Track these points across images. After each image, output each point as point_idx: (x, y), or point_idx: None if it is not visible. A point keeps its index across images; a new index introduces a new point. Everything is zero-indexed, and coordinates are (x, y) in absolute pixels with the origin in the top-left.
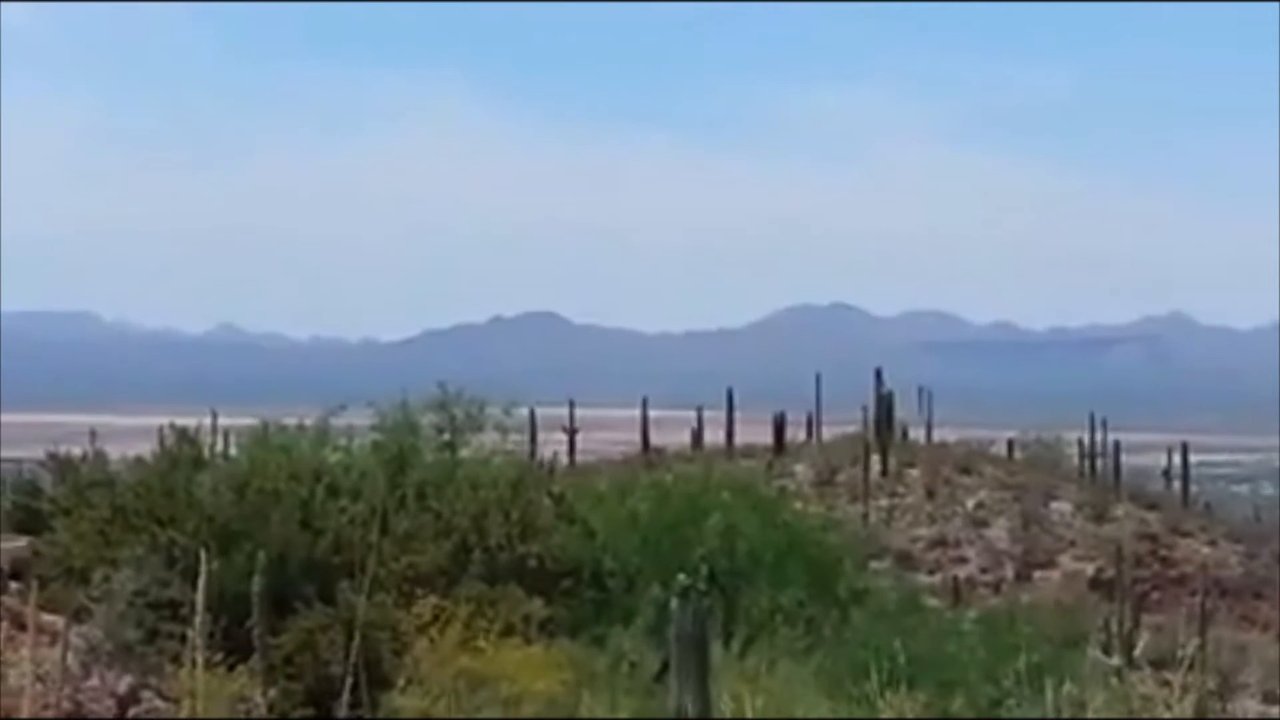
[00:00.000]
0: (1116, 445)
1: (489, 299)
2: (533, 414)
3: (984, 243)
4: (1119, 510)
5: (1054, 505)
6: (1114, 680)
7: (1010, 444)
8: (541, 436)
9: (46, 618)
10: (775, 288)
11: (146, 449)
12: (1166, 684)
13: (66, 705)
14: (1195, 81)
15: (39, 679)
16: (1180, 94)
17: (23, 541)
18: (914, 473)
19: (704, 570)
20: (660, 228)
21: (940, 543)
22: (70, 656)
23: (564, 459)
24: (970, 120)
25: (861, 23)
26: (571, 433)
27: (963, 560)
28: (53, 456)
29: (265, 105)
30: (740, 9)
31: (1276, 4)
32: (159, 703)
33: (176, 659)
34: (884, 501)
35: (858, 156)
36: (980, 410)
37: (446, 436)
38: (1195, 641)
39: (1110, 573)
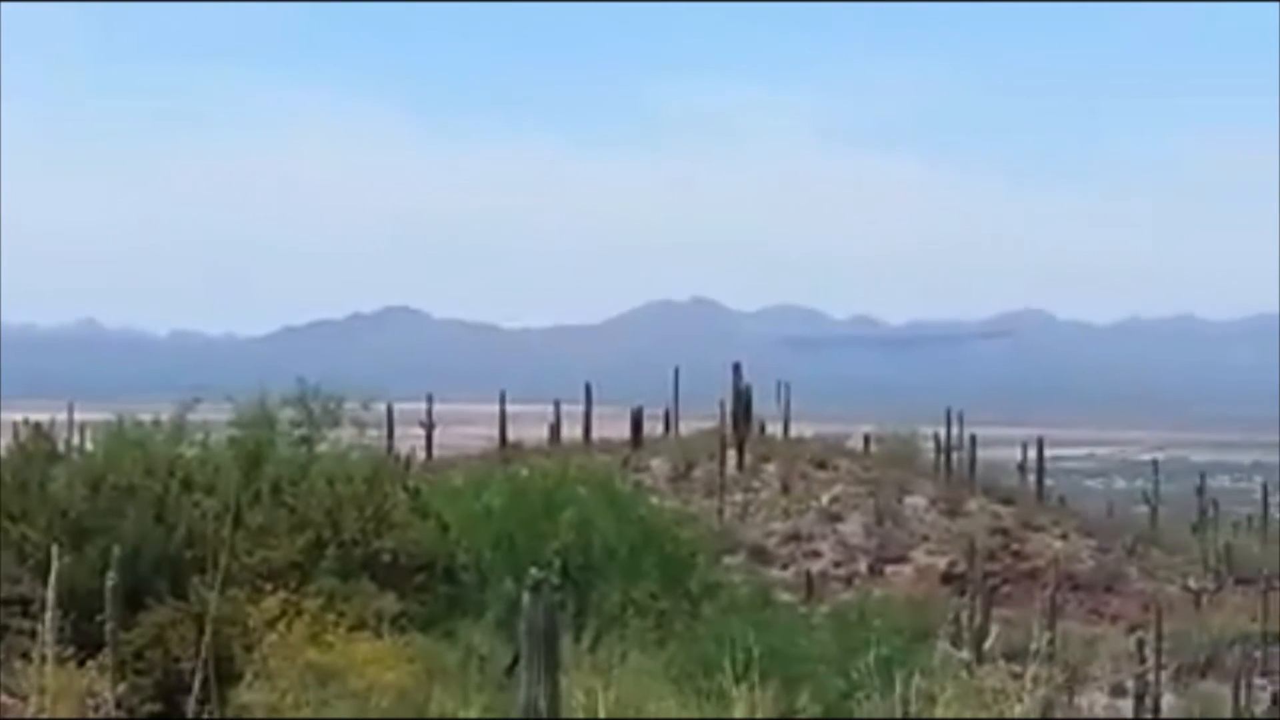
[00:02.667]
0: (972, 440)
1: (349, 295)
2: (390, 409)
3: (845, 238)
4: (973, 505)
5: (908, 500)
6: (964, 673)
7: (867, 438)
8: (399, 431)
9: None
10: (635, 283)
11: (1, 445)
12: (1016, 677)
13: None
14: (1060, 79)
15: None
16: (1044, 92)
17: None
18: (770, 467)
19: (557, 564)
20: (521, 224)
21: (795, 537)
22: None
23: (421, 454)
24: (835, 117)
25: (734, 21)
26: (429, 428)
27: (817, 555)
28: None
29: (127, 102)
30: (614, 6)
31: (1129, 2)
32: (6, 699)
33: (26, 655)
34: (740, 496)
35: (721, 153)
36: (840, 405)
37: (303, 432)
38: (1045, 635)
39: (963, 567)
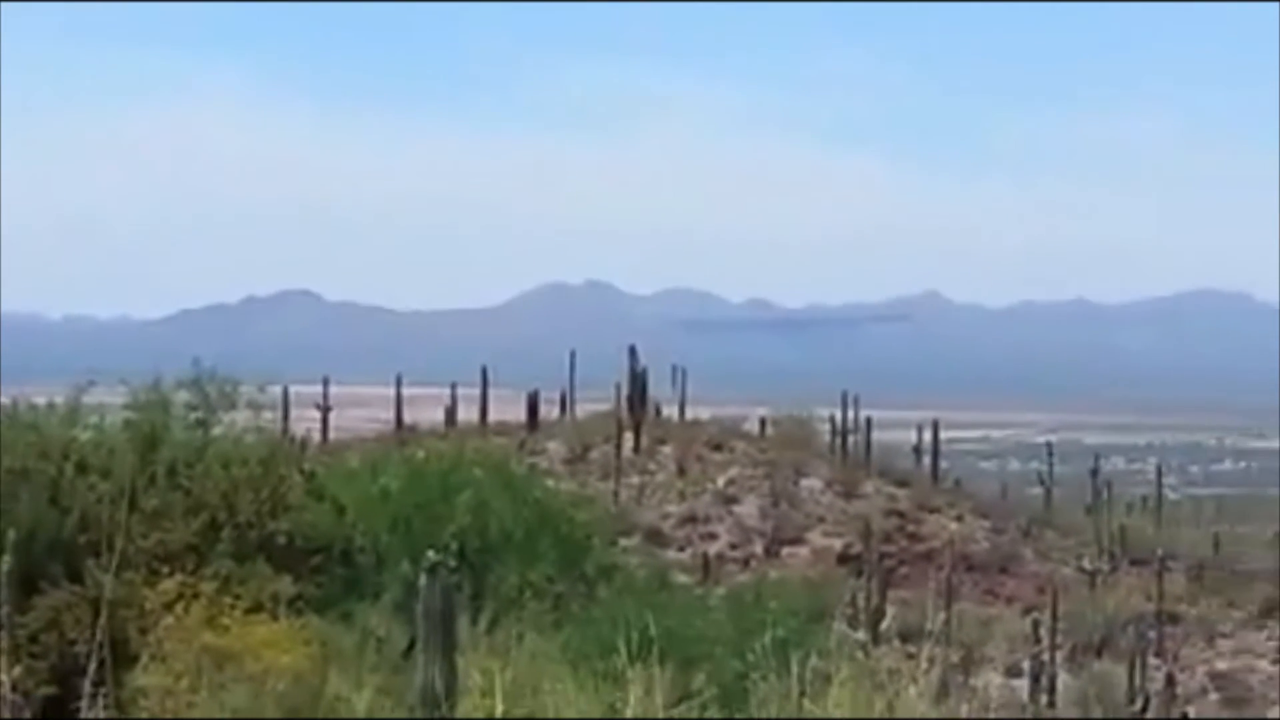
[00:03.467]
0: (868, 422)
1: (244, 277)
2: (286, 392)
3: (741, 221)
4: (869, 487)
5: (804, 482)
6: (860, 654)
7: (763, 421)
8: (295, 414)
9: None
10: (530, 266)
11: None
12: (911, 657)
13: None
14: (957, 65)
15: None
16: (942, 77)
17: None
18: (666, 450)
19: (453, 547)
20: (417, 207)
21: (691, 519)
22: None
23: (317, 437)
24: (731, 100)
25: (633, 3)
26: (325, 410)
27: (713, 537)
28: None
29: (22, 81)
30: None
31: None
32: None
33: None
34: (636, 479)
35: (617, 134)
36: (736, 387)
37: (199, 415)
38: (940, 616)
39: (859, 548)
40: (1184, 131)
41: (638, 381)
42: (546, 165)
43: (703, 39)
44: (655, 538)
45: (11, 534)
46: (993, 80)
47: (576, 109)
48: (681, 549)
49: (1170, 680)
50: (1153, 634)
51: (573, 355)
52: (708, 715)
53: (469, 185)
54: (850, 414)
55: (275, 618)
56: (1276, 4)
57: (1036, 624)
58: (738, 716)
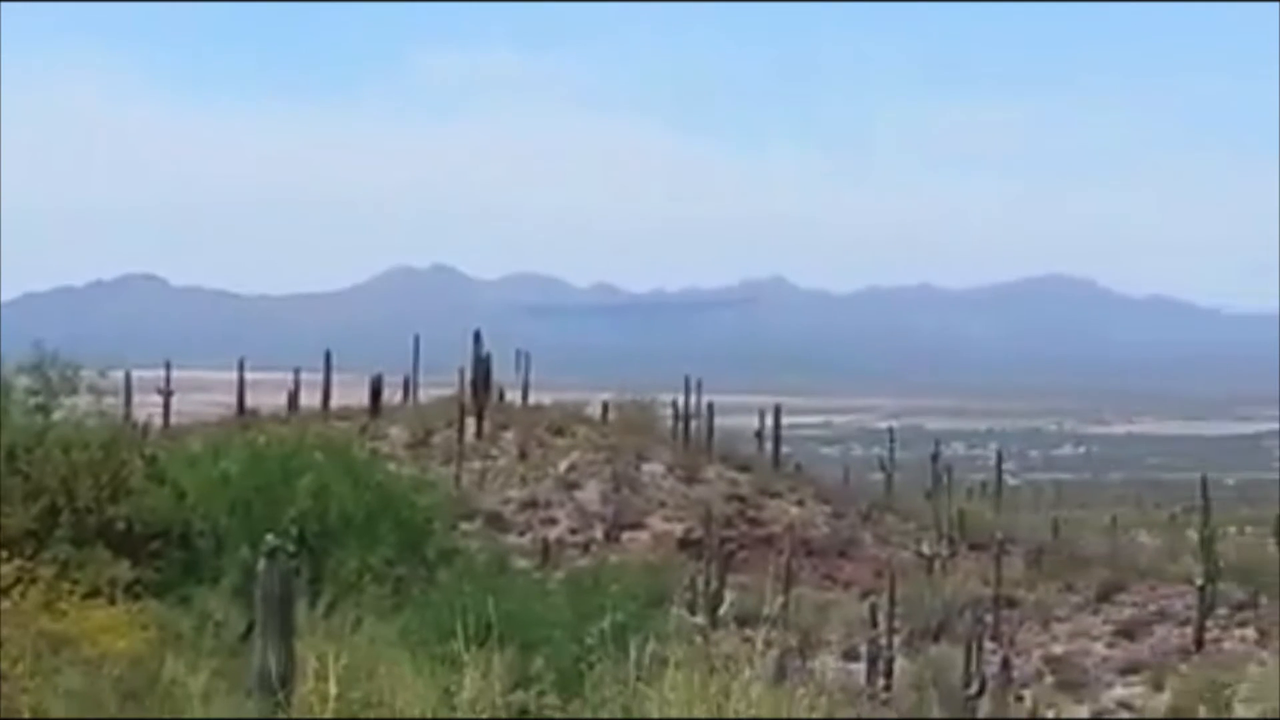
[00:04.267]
0: (710, 407)
1: (90, 261)
2: (128, 376)
3: (586, 206)
4: (710, 472)
5: (646, 467)
6: (698, 639)
7: (605, 406)
8: (137, 399)
9: None
10: (376, 250)
11: None
12: (748, 641)
13: None
14: (811, 51)
15: None
16: (783, 59)
17: None
18: (508, 435)
19: (293, 531)
20: (262, 190)
21: (532, 504)
22: None
23: (159, 421)
24: (578, 85)
25: None
26: (166, 395)
27: (553, 521)
28: None
29: None
30: None
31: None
32: None
33: None
34: (477, 463)
35: (463, 120)
36: (580, 373)
37: (40, 399)
38: (779, 599)
39: (699, 533)
40: (1030, 118)
41: (481, 367)
42: (393, 150)
43: (550, 23)
44: (496, 522)
45: None
46: (842, 69)
47: (422, 94)
48: (522, 534)
49: (1006, 664)
50: (990, 618)
51: (417, 340)
52: (545, 699)
53: (315, 171)
54: (693, 399)
55: (113, 602)
56: (1276, 4)
57: (874, 608)
58: (574, 700)
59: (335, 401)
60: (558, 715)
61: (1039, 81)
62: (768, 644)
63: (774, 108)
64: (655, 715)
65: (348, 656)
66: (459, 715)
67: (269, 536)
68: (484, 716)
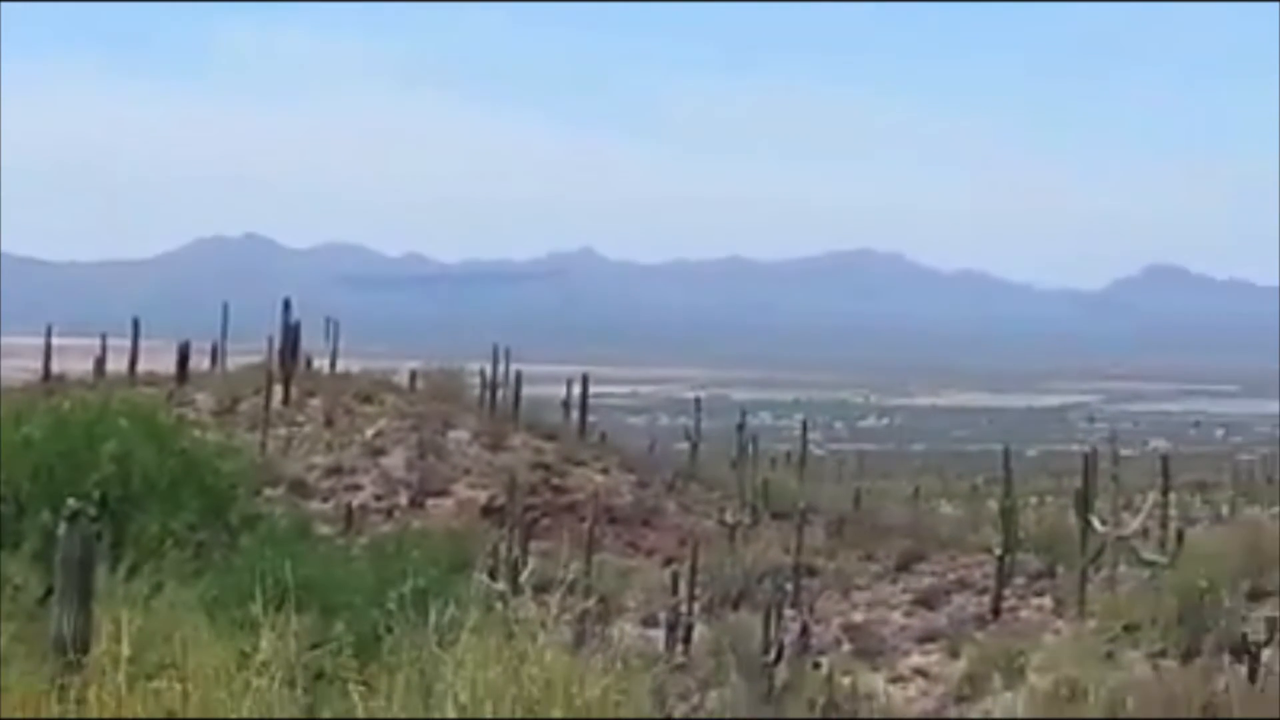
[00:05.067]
0: (518, 376)
1: None
2: None
3: (398, 176)
4: (516, 440)
5: (452, 434)
6: (498, 604)
7: (413, 374)
8: None
9: None
10: (188, 218)
11: None
12: (547, 607)
13: None
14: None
15: None
16: (600, 36)
17: None
18: (315, 402)
19: (96, 496)
20: (69, 157)
21: (336, 470)
22: None
23: None
24: (389, 57)
25: None
26: None
27: (358, 488)
28: None
29: None
30: None
31: None
32: None
33: None
34: (283, 430)
35: (277, 90)
36: (390, 342)
37: None
38: (579, 566)
39: (503, 500)
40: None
41: (290, 334)
42: (205, 119)
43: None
44: (300, 489)
45: None
46: (650, 42)
47: (236, 64)
48: (326, 500)
49: (805, 631)
50: (790, 586)
51: (225, 307)
52: (340, 659)
53: (126, 137)
54: (501, 368)
55: None
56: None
57: (676, 575)
58: (371, 663)
59: (143, 368)
60: (353, 677)
61: (847, 59)
62: (566, 610)
63: (585, 82)
64: (450, 678)
65: (147, 620)
66: (252, 675)
67: (70, 501)
68: (279, 676)
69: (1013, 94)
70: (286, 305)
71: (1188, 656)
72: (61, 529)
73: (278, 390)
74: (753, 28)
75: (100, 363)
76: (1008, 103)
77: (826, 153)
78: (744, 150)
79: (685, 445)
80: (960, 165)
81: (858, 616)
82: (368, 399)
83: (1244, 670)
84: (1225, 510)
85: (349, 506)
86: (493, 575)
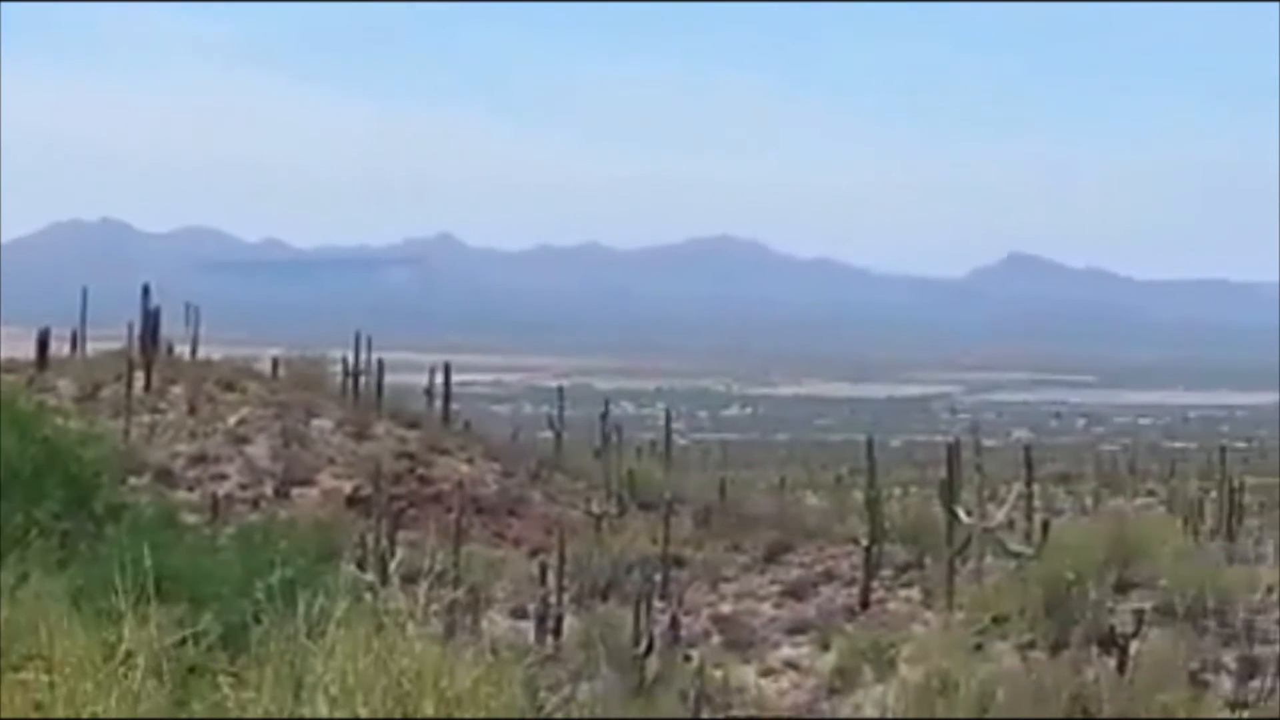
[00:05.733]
0: (380, 364)
1: None
2: None
3: (254, 160)
4: (379, 428)
5: (315, 423)
6: (367, 595)
7: (275, 362)
8: None
9: None
10: (42, 203)
11: None
12: (416, 598)
13: None
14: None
15: None
16: (455, 17)
17: None
18: (177, 390)
19: None
20: None
21: (201, 459)
22: None
23: None
24: (248, 41)
25: None
26: None
27: (223, 477)
28: None
29: None
30: None
31: None
32: None
33: None
34: (146, 418)
35: (133, 74)
36: (250, 327)
37: None
38: (448, 557)
39: (369, 490)
40: (696, 83)
41: (150, 321)
42: (60, 102)
43: None
44: (165, 477)
45: None
46: (512, 26)
47: (92, 46)
48: (191, 489)
49: (674, 623)
50: (658, 577)
51: (84, 293)
52: (210, 653)
53: None
54: (363, 356)
55: None
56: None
57: (544, 566)
58: (240, 655)
59: (2, 355)
60: (222, 669)
61: (708, 46)
62: (436, 601)
63: (442, 68)
64: (319, 669)
65: (12, 611)
66: (119, 667)
67: None
68: (142, 667)
69: (874, 82)
70: (146, 291)
71: (1056, 648)
72: None
73: (139, 377)
74: (616, 13)
75: None
76: (869, 91)
77: (688, 139)
78: (606, 136)
79: (549, 434)
80: (821, 153)
81: (727, 608)
82: (230, 386)
83: (1112, 662)
84: (1089, 501)
85: (214, 496)
86: (361, 566)
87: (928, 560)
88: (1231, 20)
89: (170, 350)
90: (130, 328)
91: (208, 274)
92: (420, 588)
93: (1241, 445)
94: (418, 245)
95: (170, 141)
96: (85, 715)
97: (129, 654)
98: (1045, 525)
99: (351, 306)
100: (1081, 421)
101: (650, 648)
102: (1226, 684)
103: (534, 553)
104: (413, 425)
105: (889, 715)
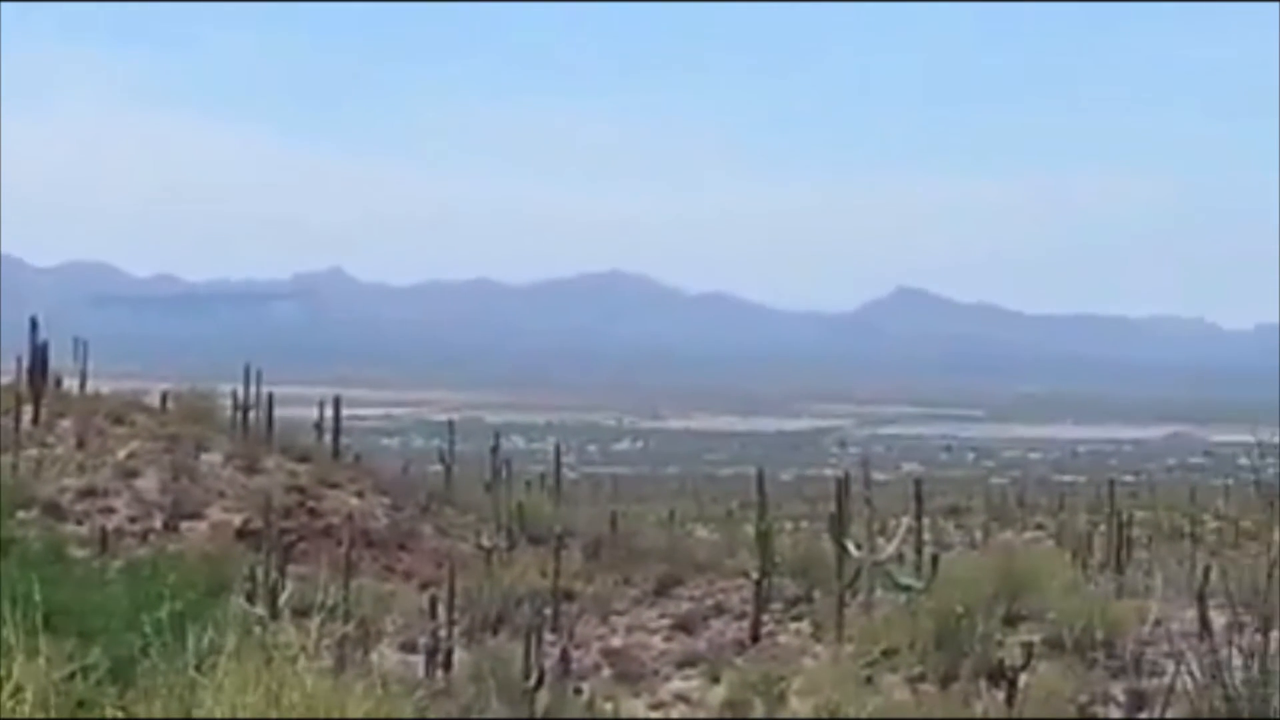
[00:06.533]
0: (270, 397)
1: None
2: None
3: (145, 196)
4: (269, 462)
5: (205, 457)
6: (256, 628)
7: (165, 395)
8: None
9: None
10: None
11: None
12: (307, 631)
13: None
14: (353, 42)
15: None
16: (351, 53)
17: None
18: (66, 423)
19: None
20: None
21: (90, 492)
22: None
23: None
24: (135, 73)
25: None
26: None
27: (112, 510)
28: None
29: None
30: None
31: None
32: None
33: None
34: (34, 451)
35: (22, 107)
36: (140, 361)
37: None
38: (339, 591)
39: (258, 523)
40: (586, 116)
41: (38, 354)
42: None
43: (105, 17)
44: (53, 511)
45: None
46: (398, 59)
47: None
48: (80, 522)
49: (565, 656)
50: (549, 611)
51: None
52: (100, 688)
53: None
54: (253, 389)
55: None
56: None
57: (434, 600)
58: (129, 689)
59: None
60: (111, 703)
61: (596, 80)
62: (326, 634)
63: (335, 101)
64: (209, 704)
65: None
66: (8, 700)
67: None
68: (31, 701)
69: (763, 117)
70: (34, 324)
71: (946, 681)
72: None
73: (27, 411)
74: (503, 48)
75: None
76: (758, 125)
77: (577, 174)
78: (496, 171)
79: (439, 468)
80: (711, 187)
81: (617, 641)
82: (119, 420)
83: (1001, 695)
84: (979, 535)
85: (103, 529)
86: (250, 599)
87: (818, 594)
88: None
89: (59, 384)
90: (19, 361)
91: (98, 308)
92: (312, 622)
93: (1130, 479)
94: (308, 279)
95: (60, 175)
96: None
97: (18, 688)
98: (935, 558)
99: (242, 340)
100: (971, 455)
101: (540, 681)
102: (1115, 715)
103: (424, 586)
104: (303, 459)
105: None
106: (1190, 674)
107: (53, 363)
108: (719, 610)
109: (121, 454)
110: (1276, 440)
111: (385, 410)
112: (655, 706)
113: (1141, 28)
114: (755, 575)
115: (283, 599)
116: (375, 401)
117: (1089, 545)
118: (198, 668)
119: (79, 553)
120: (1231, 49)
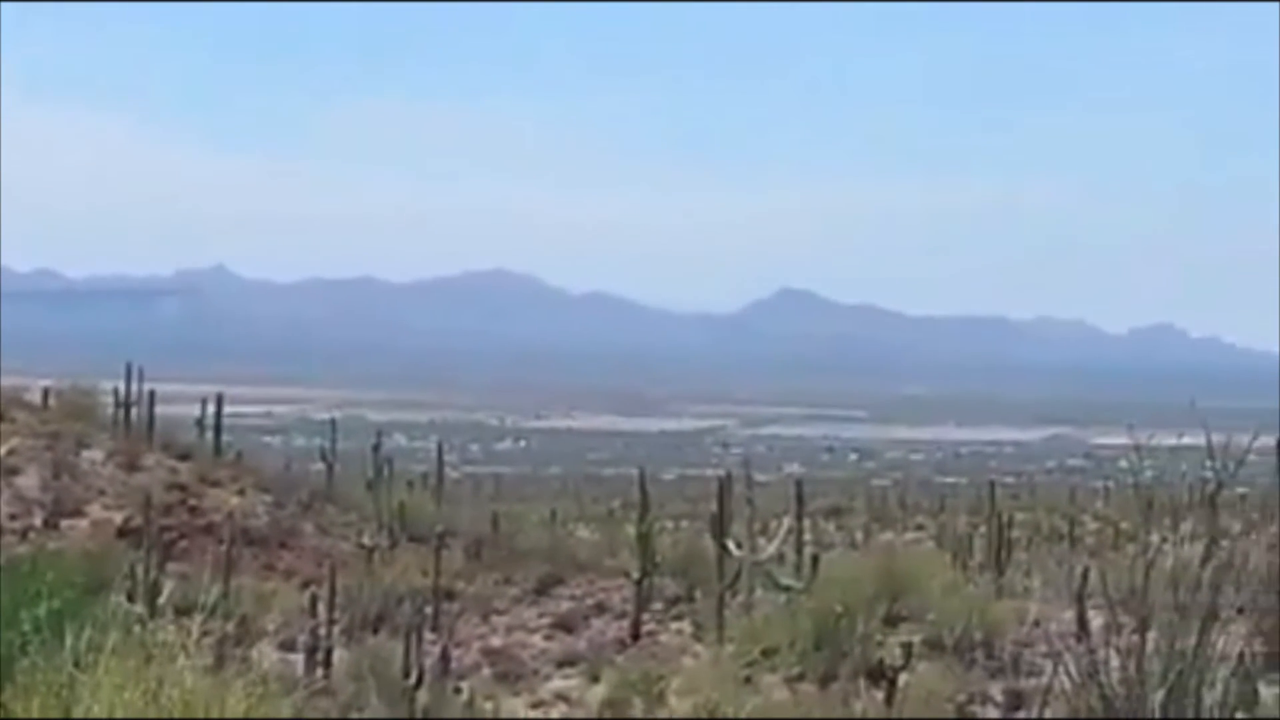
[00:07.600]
0: (151, 395)
1: None
2: None
3: (26, 189)
4: (150, 459)
5: (86, 454)
6: (136, 627)
7: (46, 392)
8: None
9: None
10: None
11: None
12: (186, 630)
13: None
14: (240, 37)
15: None
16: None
17: None
18: None
19: None
20: None
21: None
22: None
23: None
24: (24, 71)
25: None
26: None
27: None
28: None
29: None
30: None
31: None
32: None
33: None
34: None
35: None
36: (20, 358)
37: None
38: (218, 589)
39: (139, 521)
40: (472, 116)
41: None
42: None
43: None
44: None
45: None
46: (285, 58)
47: None
48: None
49: (445, 655)
50: (429, 610)
51: None
52: None
53: None
54: (134, 386)
55: None
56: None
57: (314, 598)
58: (5, 687)
59: None
60: None
61: (480, 80)
62: (206, 633)
63: (214, 99)
64: (88, 701)
65: None
66: None
67: None
68: None
69: (648, 116)
70: None
71: (825, 680)
72: None
73: None
74: (387, 43)
75: None
76: (643, 125)
77: (462, 173)
78: (380, 168)
79: (321, 466)
80: (595, 187)
81: (497, 640)
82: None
83: (881, 694)
84: (859, 535)
85: None
86: (130, 597)
87: (698, 593)
88: (1011, 65)
89: None
90: None
91: None
92: (192, 620)
93: (1010, 480)
94: (190, 276)
95: None
96: None
97: None
98: (815, 559)
99: (124, 337)
100: (853, 456)
101: (420, 680)
102: (993, 715)
103: (305, 585)
104: (184, 456)
105: None
106: (1068, 674)
107: None
108: (600, 609)
109: (2, 451)
110: (1154, 443)
111: (267, 408)
112: (535, 705)
113: (1021, 29)
114: (636, 575)
115: (163, 597)
116: (257, 399)
117: (969, 546)
118: (77, 665)
119: None
120: (1124, 47)
